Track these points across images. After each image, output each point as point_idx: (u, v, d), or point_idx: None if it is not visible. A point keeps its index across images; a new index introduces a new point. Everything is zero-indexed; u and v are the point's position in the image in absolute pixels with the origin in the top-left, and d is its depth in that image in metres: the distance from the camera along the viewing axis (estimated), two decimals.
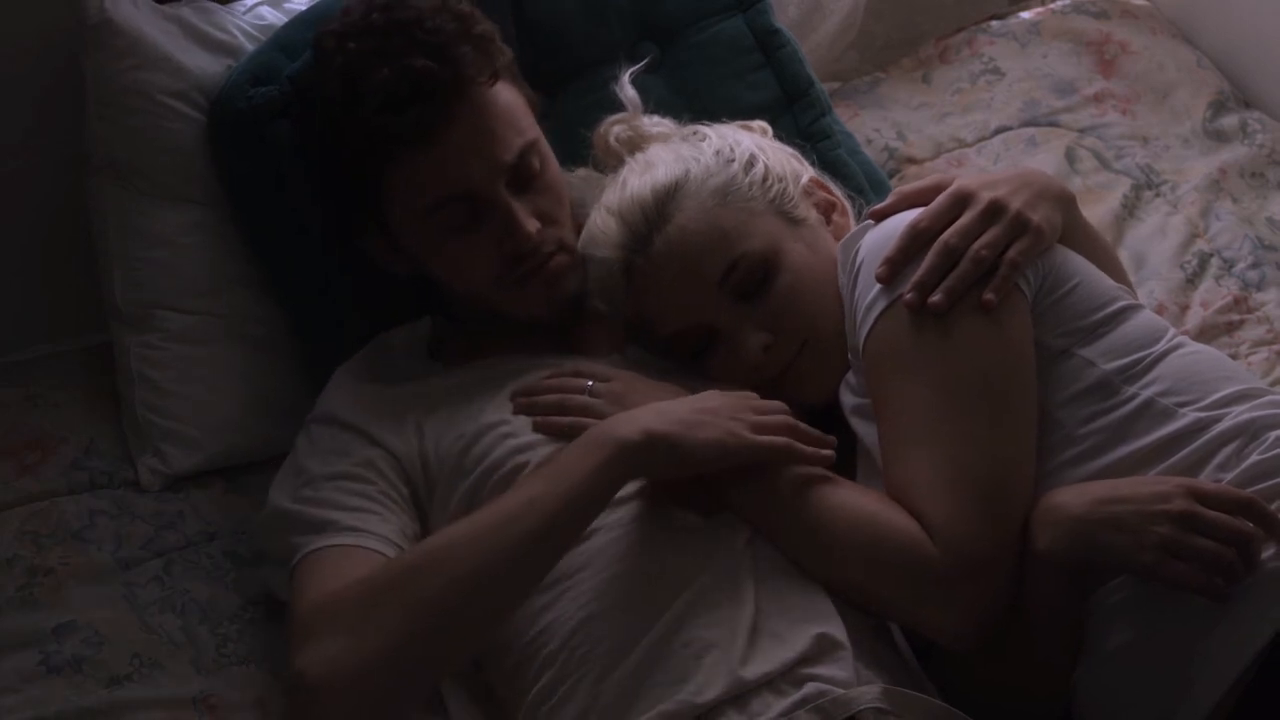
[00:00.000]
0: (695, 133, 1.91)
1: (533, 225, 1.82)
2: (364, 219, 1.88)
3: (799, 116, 2.18)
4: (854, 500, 1.66)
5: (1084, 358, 1.69)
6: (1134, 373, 1.69)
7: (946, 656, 1.71)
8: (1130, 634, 1.61)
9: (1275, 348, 2.16)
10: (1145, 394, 1.67)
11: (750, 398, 1.72)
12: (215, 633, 1.85)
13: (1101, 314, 1.72)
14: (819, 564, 1.67)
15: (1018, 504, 1.62)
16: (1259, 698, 1.54)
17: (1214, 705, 1.55)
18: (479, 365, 1.88)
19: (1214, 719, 1.56)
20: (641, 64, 2.00)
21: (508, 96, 1.85)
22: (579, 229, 1.89)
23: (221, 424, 2.02)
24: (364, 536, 1.71)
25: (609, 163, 1.94)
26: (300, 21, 2.04)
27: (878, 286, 1.70)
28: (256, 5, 2.15)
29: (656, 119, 1.96)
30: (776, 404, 1.72)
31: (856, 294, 1.73)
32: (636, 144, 1.92)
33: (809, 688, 1.60)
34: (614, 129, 1.94)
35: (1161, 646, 1.59)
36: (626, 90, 1.96)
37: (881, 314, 1.69)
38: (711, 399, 1.70)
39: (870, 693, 1.60)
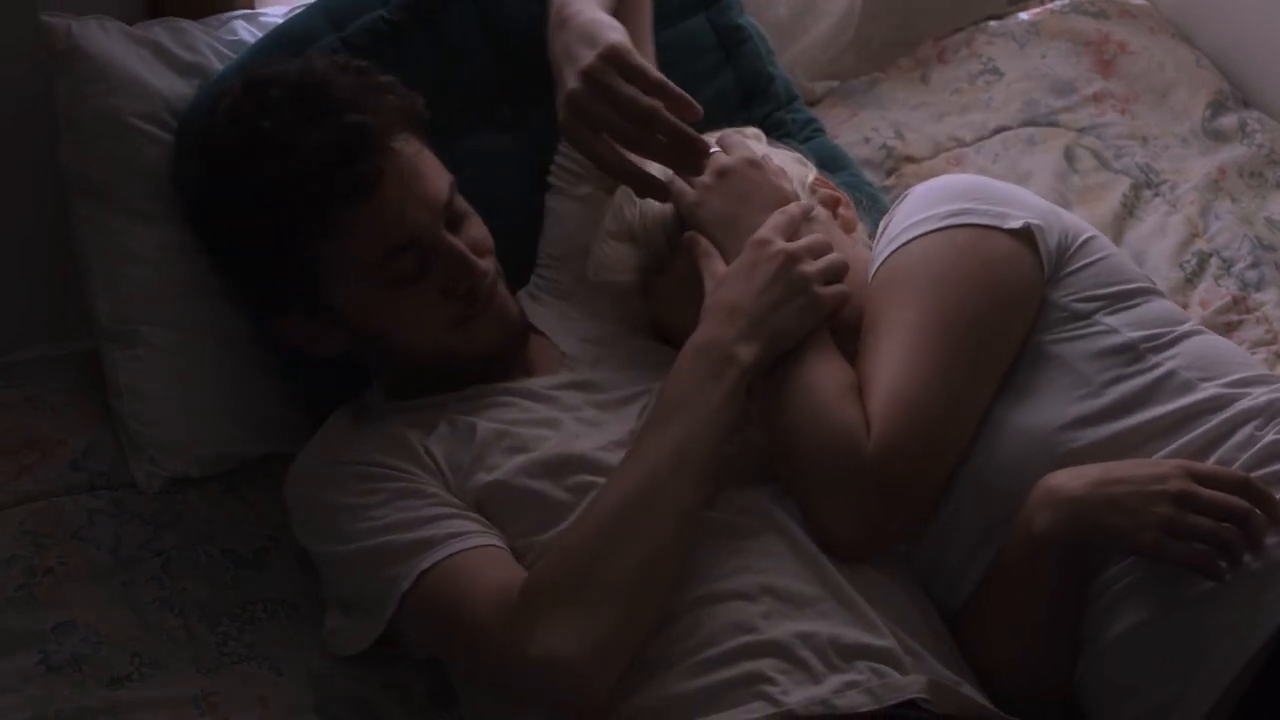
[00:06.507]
0: None
1: (484, 263, 1.83)
2: (293, 300, 1.84)
3: (754, 112, 2.16)
4: (826, 380, 1.69)
5: (1107, 324, 1.72)
6: (1157, 344, 1.71)
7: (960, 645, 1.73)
8: (1136, 619, 1.61)
9: (1274, 348, 2.16)
10: (1168, 365, 1.70)
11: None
12: (215, 631, 1.85)
13: (1125, 286, 1.75)
14: (773, 425, 1.71)
15: (955, 445, 1.67)
16: (1268, 685, 1.55)
17: (1222, 691, 1.56)
18: (444, 398, 1.87)
19: (1222, 706, 1.56)
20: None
21: (421, 142, 1.84)
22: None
23: (212, 434, 2.00)
24: (472, 538, 1.71)
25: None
26: (266, 45, 2.03)
27: (906, 224, 1.73)
28: (231, 20, 2.13)
29: None
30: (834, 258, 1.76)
31: (883, 237, 1.76)
32: None
33: (859, 669, 1.61)
34: None
35: (1168, 632, 1.60)
36: None
37: (902, 245, 1.72)
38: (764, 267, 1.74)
39: (917, 683, 1.61)
